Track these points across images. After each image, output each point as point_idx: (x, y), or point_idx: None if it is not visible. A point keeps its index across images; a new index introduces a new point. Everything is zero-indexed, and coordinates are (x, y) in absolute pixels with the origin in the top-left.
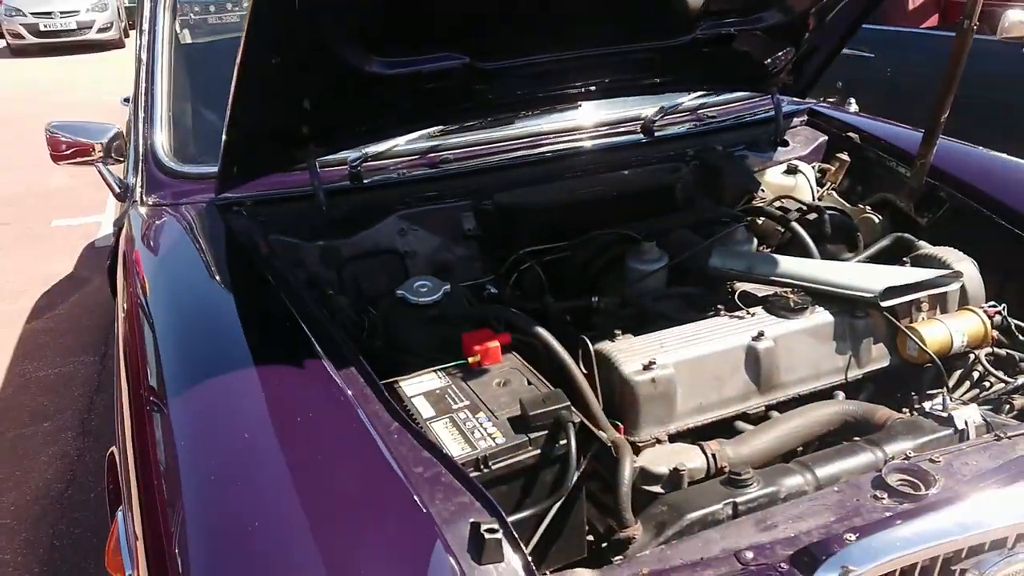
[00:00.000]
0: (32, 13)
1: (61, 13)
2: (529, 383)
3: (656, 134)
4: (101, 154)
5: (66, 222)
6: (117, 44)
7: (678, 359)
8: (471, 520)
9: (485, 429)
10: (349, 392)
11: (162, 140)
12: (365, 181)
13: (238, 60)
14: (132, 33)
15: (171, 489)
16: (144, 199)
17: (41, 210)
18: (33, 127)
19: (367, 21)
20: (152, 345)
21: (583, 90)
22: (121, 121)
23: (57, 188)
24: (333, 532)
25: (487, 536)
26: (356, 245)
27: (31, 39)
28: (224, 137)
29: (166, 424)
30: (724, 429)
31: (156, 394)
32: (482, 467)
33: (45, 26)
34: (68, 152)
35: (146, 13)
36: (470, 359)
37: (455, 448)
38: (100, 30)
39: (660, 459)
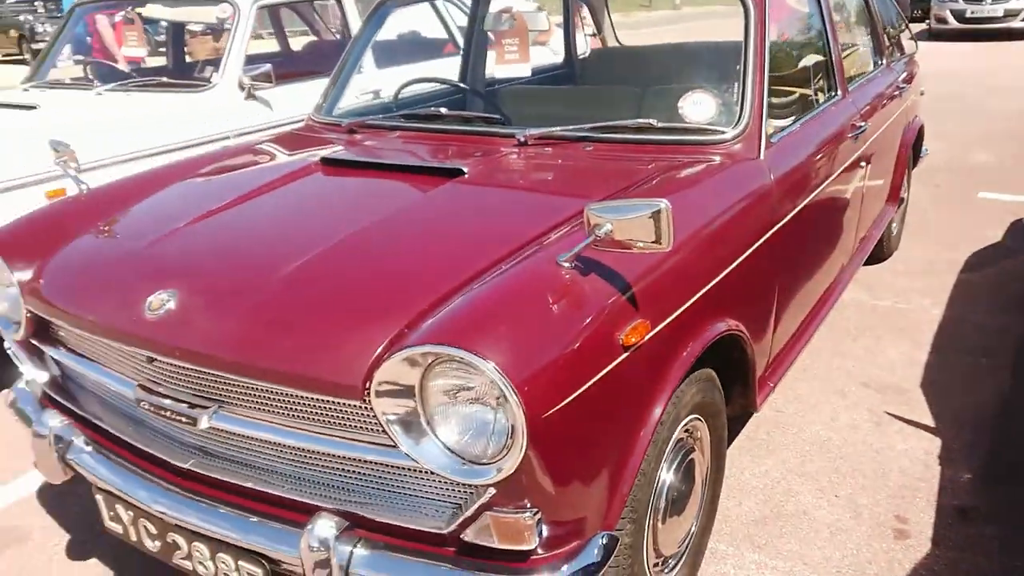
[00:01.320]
0: (965, 0)
1: (991, 0)
2: None
3: None
4: None
5: (993, 196)
6: None
7: None
8: None
9: None
10: None
11: None
12: None
13: None
14: None
15: None
16: None
17: (967, 181)
18: (959, 104)
19: None
20: None
21: None
22: None
23: (982, 164)
24: None
25: None
26: None
27: (953, 24)
28: None
29: None
30: None
31: None
32: None
33: (971, 12)
34: None
35: None
36: None
37: None
38: None
39: None
